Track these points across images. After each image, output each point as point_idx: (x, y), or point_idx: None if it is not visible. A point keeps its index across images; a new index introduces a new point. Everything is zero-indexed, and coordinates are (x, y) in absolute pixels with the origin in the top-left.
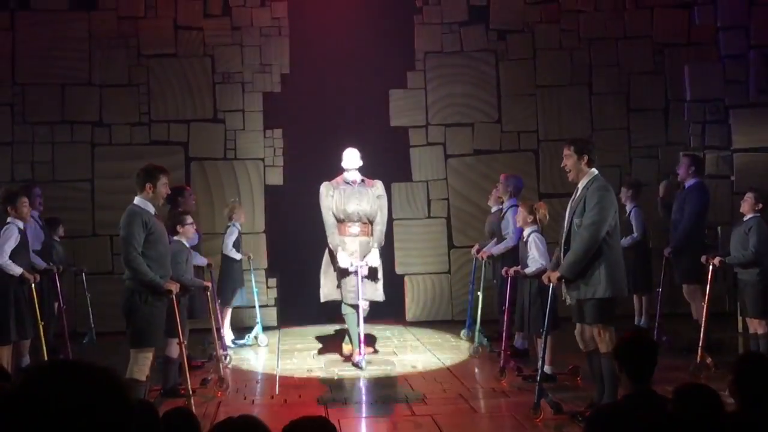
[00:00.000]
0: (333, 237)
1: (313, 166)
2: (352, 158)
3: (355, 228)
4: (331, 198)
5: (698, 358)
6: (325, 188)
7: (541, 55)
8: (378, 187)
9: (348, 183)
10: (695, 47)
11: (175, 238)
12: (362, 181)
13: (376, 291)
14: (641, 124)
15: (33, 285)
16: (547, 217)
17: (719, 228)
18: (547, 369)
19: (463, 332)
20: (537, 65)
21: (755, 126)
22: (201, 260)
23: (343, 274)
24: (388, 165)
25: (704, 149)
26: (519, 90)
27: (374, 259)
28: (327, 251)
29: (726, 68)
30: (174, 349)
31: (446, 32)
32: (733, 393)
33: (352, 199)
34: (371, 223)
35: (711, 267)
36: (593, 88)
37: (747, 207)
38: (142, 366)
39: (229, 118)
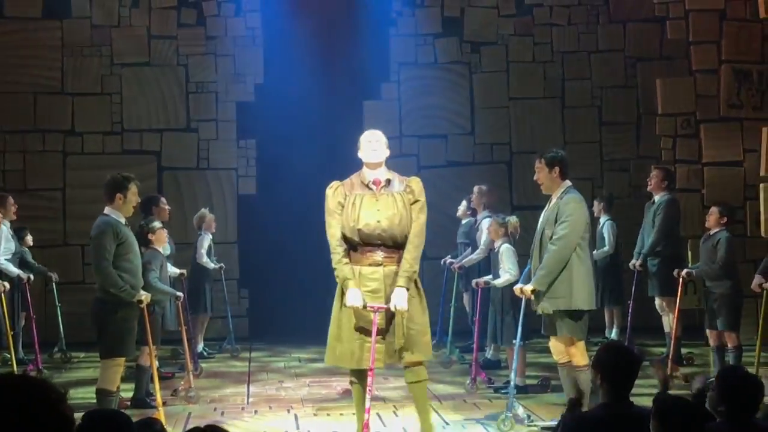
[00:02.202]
0: (339, 265)
1: (287, 176)
2: (373, 146)
3: (377, 254)
4: (339, 207)
5: (668, 371)
6: (332, 191)
7: (514, 68)
8: (414, 187)
9: (367, 186)
10: (667, 62)
11: (151, 246)
12: (388, 182)
13: (413, 350)
14: (613, 138)
15: (2, 295)
16: (518, 230)
17: (689, 241)
18: (518, 381)
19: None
20: (510, 78)
21: (725, 140)
22: (174, 270)
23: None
24: None
25: (675, 163)
26: (492, 102)
27: (403, 300)
28: (337, 291)
29: (697, 83)
30: (146, 358)
31: (420, 44)
32: (714, 407)
33: (370, 211)
34: (402, 245)
35: (681, 280)
36: (566, 101)
37: (713, 221)
38: (112, 376)
39: (203, 127)
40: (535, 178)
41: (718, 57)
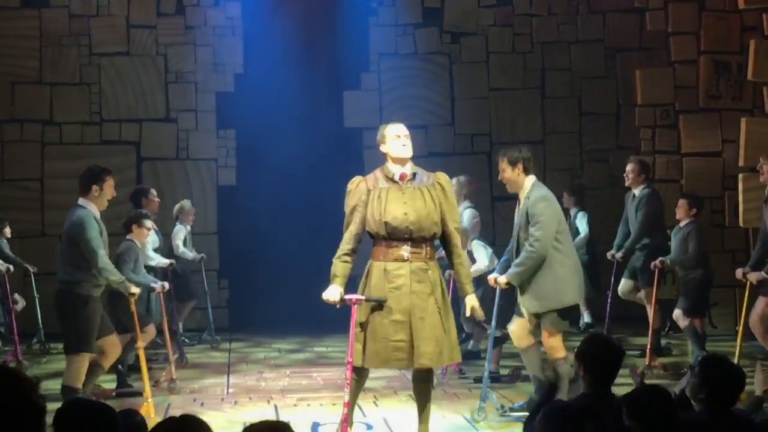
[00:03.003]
0: (336, 261)
1: (266, 166)
2: (403, 141)
3: (403, 249)
4: (362, 203)
5: (647, 361)
6: (353, 186)
7: (494, 58)
8: (444, 185)
9: (393, 180)
10: (646, 52)
11: (128, 237)
12: (414, 176)
13: (436, 353)
14: (592, 128)
15: None
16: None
17: (669, 231)
18: (492, 368)
19: None
20: (490, 68)
21: (704, 131)
22: (163, 261)
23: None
24: (341, 166)
25: (654, 153)
26: (472, 93)
27: (477, 305)
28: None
29: (676, 73)
30: (124, 348)
31: (400, 34)
32: (694, 395)
33: (397, 203)
34: (430, 240)
35: (655, 269)
36: (545, 91)
37: (682, 213)
38: (77, 372)
39: (182, 117)
40: (499, 178)
41: (697, 48)
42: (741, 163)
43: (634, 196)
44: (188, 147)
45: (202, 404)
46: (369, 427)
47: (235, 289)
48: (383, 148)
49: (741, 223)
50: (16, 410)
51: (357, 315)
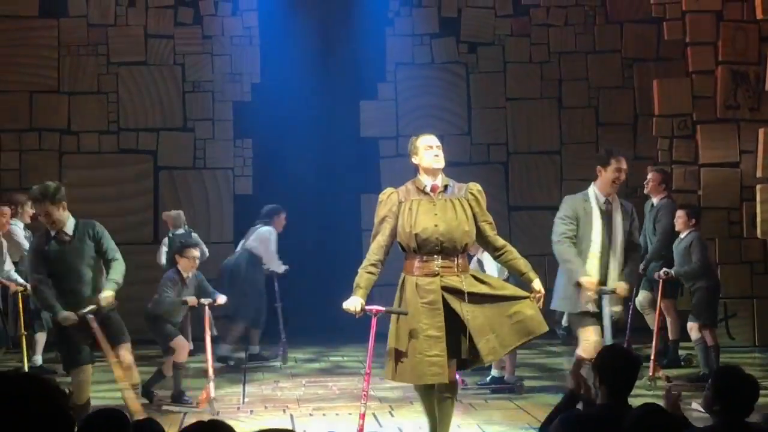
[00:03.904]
0: (361, 271)
1: (283, 176)
2: (435, 152)
3: (434, 263)
4: (392, 215)
5: (651, 372)
6: (385, 197)
7: (511, 68)
8: (478, 196)
9: (424, 191)
10: (664, 62)
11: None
12: (445, 188)
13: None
14: (610, 139)
15: (19, 295)
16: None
17: None
18: (507, 377)
19: None
20: (507, 78)
21: (721, 141)
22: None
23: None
24: (357, 176)
25: (672, 164)
26: (489, 102)
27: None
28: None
29: (694, 84)
30: (180, 355)
31: (417, 44)
32: (708, 406)
33: (428, 216)
34: (462, 252)
35: (660, 279)
36: (563, 101)
37: (681, 224)
38: (76, 389)
39: (199, 127)
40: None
41: (714, 58)
42: (759, 173)
43: (652, 205)
44: (205, 156)
45: (218, 413)
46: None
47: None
48: (415, 159)
49: (759, 234)
50: (49, 422)
51: (391, 331)
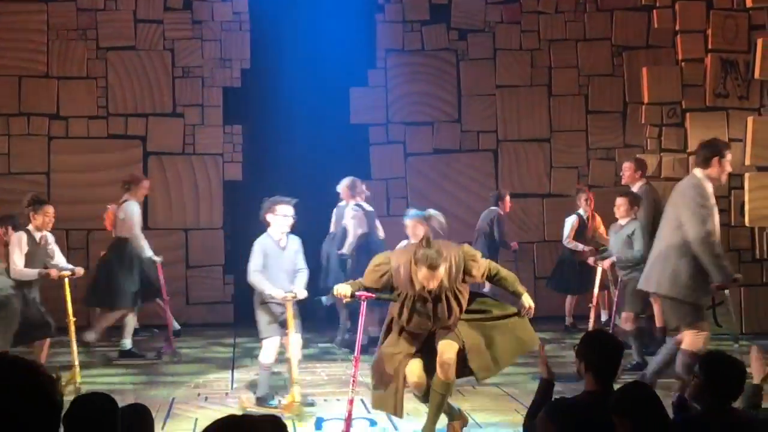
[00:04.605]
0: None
1: (273, 162)
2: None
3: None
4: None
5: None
6: (375, 272)
7: (502, 56)
8: (472, 270)
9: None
10: (654, 50)
11: None
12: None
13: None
14: (599, 126)
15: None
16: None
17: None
18: None
19: None
20: (497, 65)
21: (711, 129)
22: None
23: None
24: (347, 163)
25: (661, 151)
26: (479, 90)
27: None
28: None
29: (683, 72)
30: (267, 354)
31: (408, 31)
32: (697, 395)
33: (421, 318)
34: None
35: (600, 269)
36: (552, 89)
37: (623, 212)
38: None
39: (188, 112)
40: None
41: (704, 46)
42: (747, 162)
43: None
44: (195, 142)
45: (206, 399)
46: (373, 423)
47: (241, 285)
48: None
49: (747, 222)
50: (34, 405)
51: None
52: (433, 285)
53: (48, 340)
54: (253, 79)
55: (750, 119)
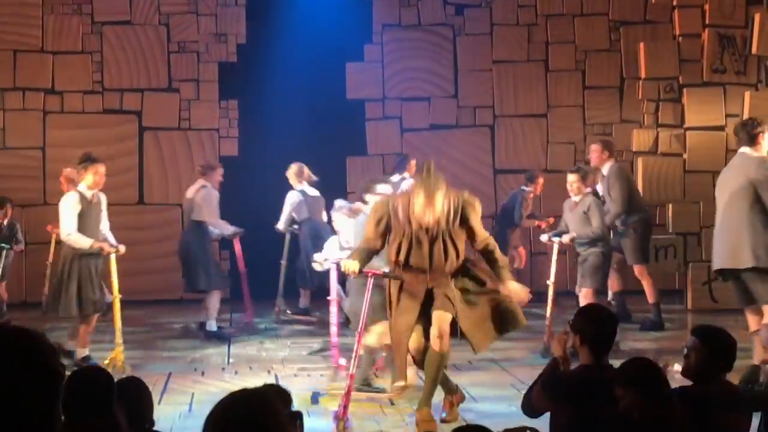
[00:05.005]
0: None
1: (269, 137)
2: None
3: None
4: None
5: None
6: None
7: (498, 31)
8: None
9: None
10: (651, 26)
11: None
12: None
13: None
14: (596, 102)
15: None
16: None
17: (670, 205)
18: None
19: None
20: (494, 41)
21: (708, 105)
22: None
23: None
24: (343, 138)
25: (658, 127)
26: (476, 65)
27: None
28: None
29: (681, 47)
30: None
31: (404, 5)
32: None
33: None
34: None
35: (558, 245)
36: (549, 64)
37: (575, 189)
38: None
39: (184, 87)
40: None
41: (702, 21)
42: None
43: (603, 175)
44: (190, 117)
45: (202, 373)
46: (369, 398)
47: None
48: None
49: None
50: (34, 375)
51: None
52: (430, 217)
53: (96, 317)
54: (249, 54)
55: (747, 94)
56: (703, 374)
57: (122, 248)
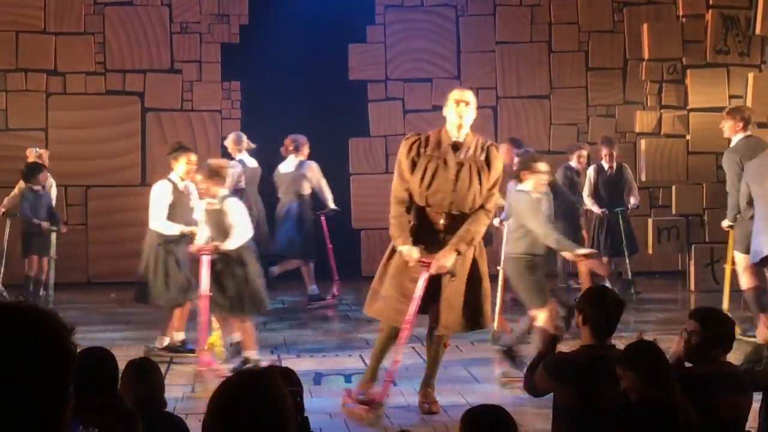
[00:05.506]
0: (394, 220)
1: (271, 118)
2: (458, 107)
3: (439, 221)
4: (411, 166)
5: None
6: (406, 146)
7: (501, 12)
8: (493, 161)
9: (444, 148)
10: (654, 6)
11: None
12: (467, 148)
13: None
14: (599, 83)
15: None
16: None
17: (673, 187)
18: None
19: None
20: (497, 21)
21: (711, 86)
22: None
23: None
24: (346, 120)
25: (661, 108)
26: (478, 46)
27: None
28: (389, 247)
29: (684, 28)
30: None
31: None
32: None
33: (444, 180)
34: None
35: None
36: (552, 45)
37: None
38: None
39: (186, 68)
40: None
41: (705, 2)
42: None
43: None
44: (193, 98)
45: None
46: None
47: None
48: (444, 111)
49: None
50: (50, 355)
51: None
52: (464, 123)
53: (189, 306)
54: (252, 35)
55: (751, 75)
56: (703, 356)
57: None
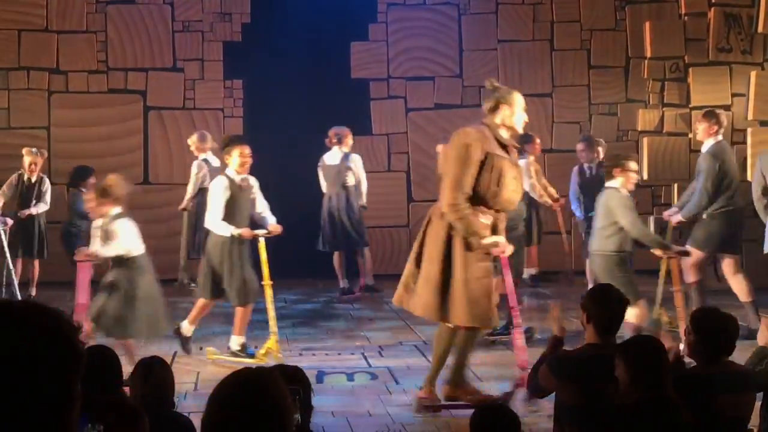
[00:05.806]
0: (467, 218)
1: (274, 117)
2: (525, 115)
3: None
4: (479, 164)
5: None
6: (476, 144)
7: (503, 10)
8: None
9: (504, 148)
10: (657, 4)
11: None
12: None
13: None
14: (601, 81)
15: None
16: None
17: (675, 185)
18: None
19: None
20: (499, 20)
21: (713, 84)
22: None
23: None
24: (348, 118)
25: (663, 106)
26: (481, 44)
27: None
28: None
29: (686, 26)
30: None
31: None
32: (694, 351)
33: (512, 180)
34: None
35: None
36: (555, 44)
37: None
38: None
39: (188, 67)
40: None
41: (707, 0)
42: (750, 116)
43: None
44: (195, 97)
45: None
46: (373, 377)
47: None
48: (504, 110)
49: (749, 177)
50: (56, 354)
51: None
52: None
53: (250, 307)
54: (254, 33)
55: (753, 74)
56: (705, 356)
57: (276, 228)
